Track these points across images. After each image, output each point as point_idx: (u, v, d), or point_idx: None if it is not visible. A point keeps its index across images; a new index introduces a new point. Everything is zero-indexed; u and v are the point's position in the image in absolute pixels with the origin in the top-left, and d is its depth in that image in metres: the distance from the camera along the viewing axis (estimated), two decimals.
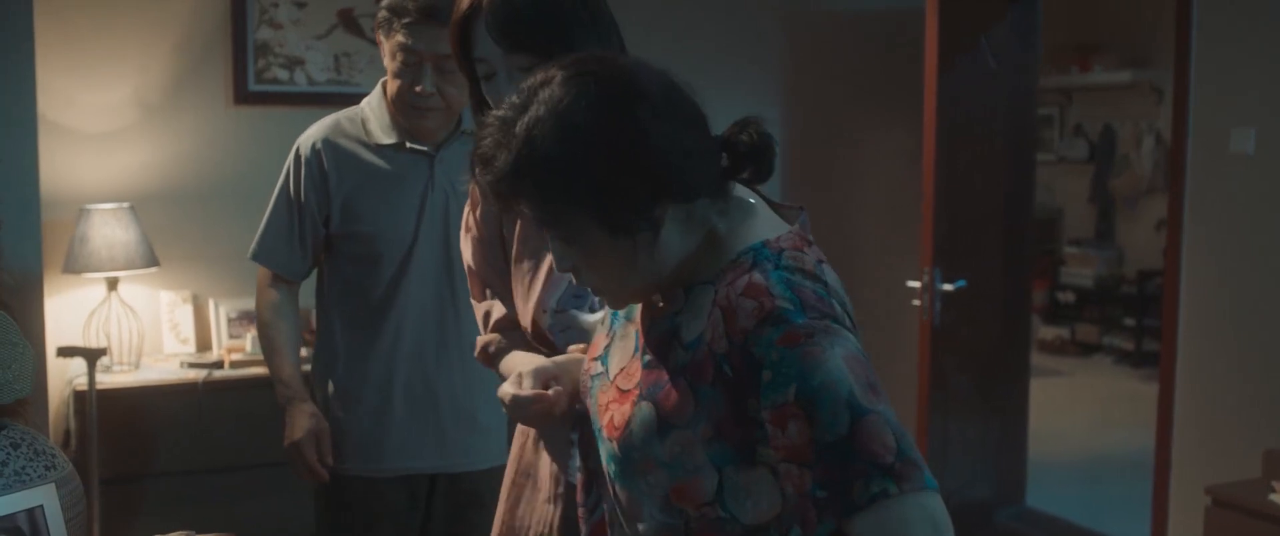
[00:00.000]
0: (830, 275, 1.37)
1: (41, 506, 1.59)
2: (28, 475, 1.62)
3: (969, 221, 4.50)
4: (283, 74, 3.88)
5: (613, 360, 1.46)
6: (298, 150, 2.53)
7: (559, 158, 1.26)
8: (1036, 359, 7.98)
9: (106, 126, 3.71)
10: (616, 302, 1.44)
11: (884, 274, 4.84)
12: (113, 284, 3.56)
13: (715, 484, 1.32)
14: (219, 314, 3.79)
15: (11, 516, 1.55)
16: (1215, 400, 3.94)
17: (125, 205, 3.54)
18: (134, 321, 3.60)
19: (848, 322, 1.33)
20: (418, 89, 2.41)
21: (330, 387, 2.59)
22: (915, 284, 4.25)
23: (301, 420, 2.51)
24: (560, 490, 1.79)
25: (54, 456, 1.69)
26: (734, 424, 1.30)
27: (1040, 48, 4.92)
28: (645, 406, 1.36)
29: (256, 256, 2.59)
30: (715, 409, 1.30)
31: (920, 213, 4.28)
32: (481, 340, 1.93)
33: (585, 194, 1.27)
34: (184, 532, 1.87)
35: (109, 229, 3.47)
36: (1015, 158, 4.85)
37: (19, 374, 1.62)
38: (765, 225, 1.39)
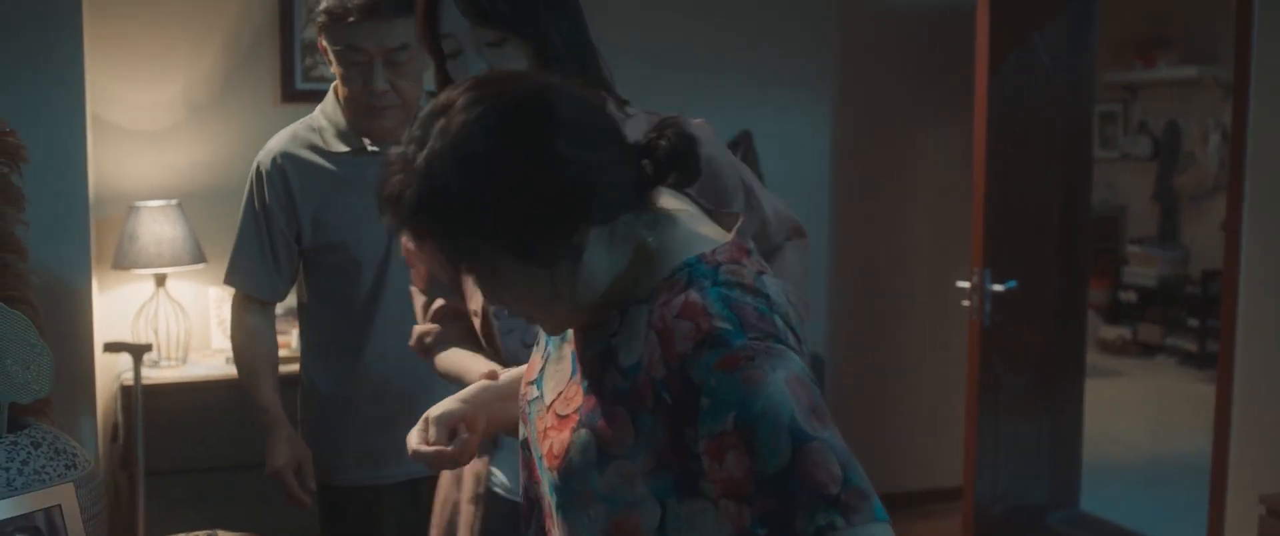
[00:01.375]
0: (773, 287, 1.27)
1: (60, 506, 1.60)
2: (47, 474, 1.64)
3: (1022, 221, 4.42)
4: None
5: (547, 385, 1.38)
6: (258, 166, 2.46)
7: (461, 191, 1.18)
8: (1097, 359, 7.85)
9: (155, 124, 3.76)
10: (549, 330, 1.36)
11: (934, 273, 4.78)
12: (160, 280, 3.60)
13: (657, 519, 1.24)
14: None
15: (30, 515, 1.57)
16: (1276, 406, 3.83)
17: (173, 202, 3.58)
18: (182, 317, 3.64)
19: (792, 339, 1.24)
20: (373, 88, 2.33)
21: (322, 400, 2.53)
22: (965, 284, 4.19)
23: (282, 447, 2.44)
24: (481, 490, 1.77)
25: (75, 455, 1.71)
26: (674, 453, 1.21)
27: (1096, 44, 4.82)
28: (584, 434, 1.27)
29: (229, 280, 2.52)
30: (656, 438, 1.21)
31: (971, 212, 4.21)
32: (418, 330, 1.89)
33: (495, 227, 1.19)
34: (207, 532, 1.89)
35: (157, 226, 3.52)
36: (1071, 156, 4.76)
37: (38, 374, 1.64)
38: (699, 236, 1.29)
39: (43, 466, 1.64)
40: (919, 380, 4.95)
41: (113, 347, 3.27)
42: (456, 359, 1.84)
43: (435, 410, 1.52)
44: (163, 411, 3.42)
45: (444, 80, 1.75)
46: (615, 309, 1.27)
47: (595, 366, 1.28)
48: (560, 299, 1.26)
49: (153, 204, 3.55)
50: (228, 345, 3.77)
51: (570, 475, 1.28)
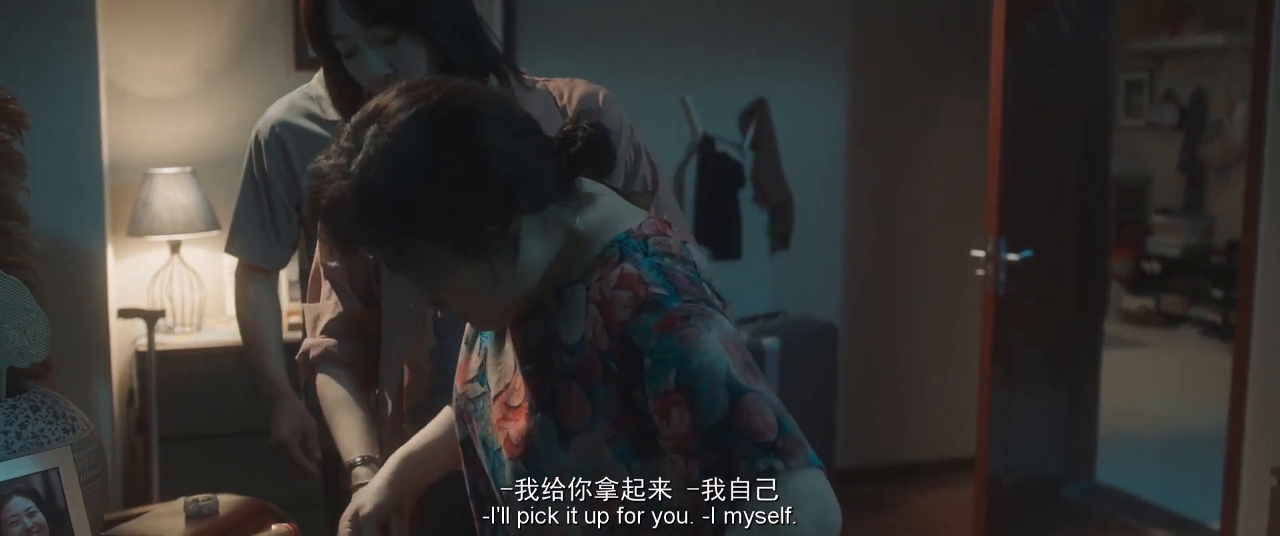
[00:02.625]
0: (696, 255, 1.36)
1: (57, 469, 1.62)
2: (46, 437, 1.66)
3: (1038, 190, 4.39)
4: None
5: (491, 378, 1.43)
6: (256, 135, 2.44)
7: (400, 195, 1.24)
8: (1119, 329, 7.80)
9: (170, 92, 3.78)
10: (489, 325, 1.42)
11: (949, 243, 4.76)
12: (175, 247, 3.63)
13: (633, 470, 1.30)
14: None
15: (27, 478, 1.59)
16: None
17: (187, 169, 3.60)
18: (196, 284, 3.67)
19: (718, 303, 1.31)
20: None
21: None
22: (979, 253, 4.17)
23: (287, 418, 2.43)
24: None
25: (74, 419, 1.73)
26: (629, 417, 1.27)
27: (1117, 11, 4.77)
28: (541, 417, 1.33)
29: (230, 249, 2.51)
30: (610, 406, 1.28)
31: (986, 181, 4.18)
32: (306, 342, 1.91)
33: (435, 227, 1.26)
34: (206, 495, 1.91)
35: (171, 193, 3.54)
36: (1090, 124, 4.72)
37: (35, 339, 1.66)
38: (623, 215, 1.37)
39: (41, 430, 1.66)
40: (933, 350, 4.94)
41: (127, 313, 3.31)
42: (333, 409, 1.87)
43: (365, 506, 1.55)
44: (177, 377, 3.46)
45: (342, 79, 1.76)
46: (551, 294, 1.34)
47: (539, 352, 1.34)
48: (500, 290, 1.32)
49: (167, 171, 3.57)
50: None
51: (536, 459, 1.33)
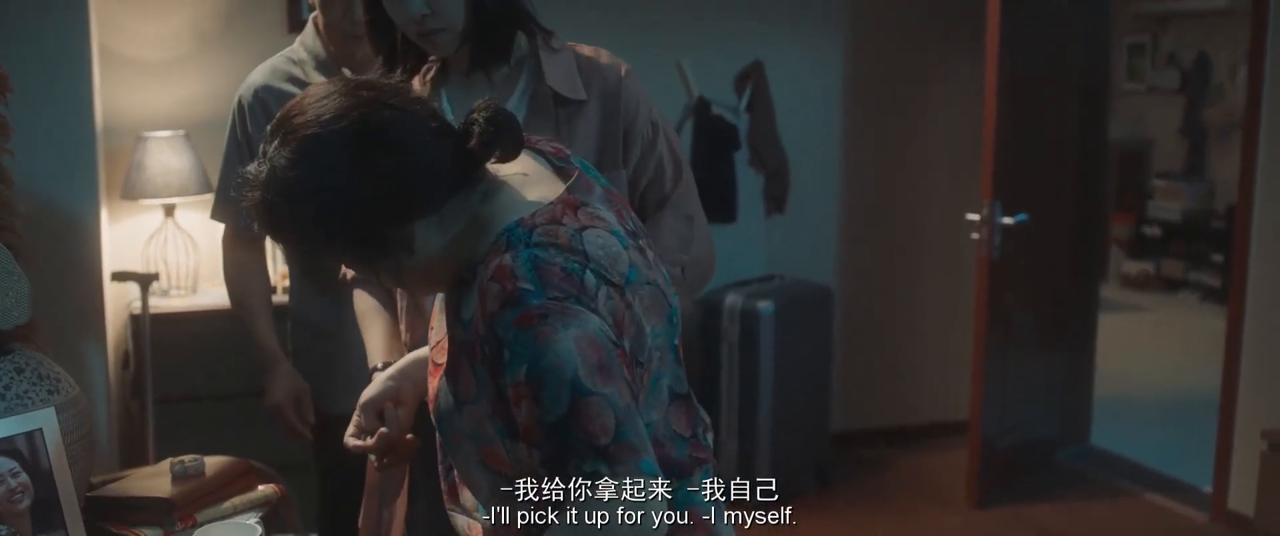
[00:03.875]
0: (593, 241, 1.36)
1: (41, 430, 1.64)
2: (30, 399, 1.67)
3: (1035, 153, 4.38)
4: None
5: (434, 335, 1.51)
6: (240, 100, 2.44)
7: (293, 214, 1.32)
8: (1118, 294, 7.80)
9: (163, 55, 3.77)
10: (419, 294, 1.54)
11: (946, 206, 4.76)
12: (169, 210, 3.63)
13: (515, 452, 1.35)
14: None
15: (11, 439, 1.60)
16: None
17: (181, 133, 3.60)
18: (191, 247, 3.68)
19: (606, 293, 1.34)
20: (354, 17, 2.27)
21: (311, 330, 2.54)
22: (975, 217, 4.16)
23: (281, 382, 2.45)
24: None
25: (58, 380, 1.74)
26: (500, 401, 1.33)
27: None
28: (444, 381, 1.41)
29: (216, 215, 2.52)
30: (487, 386, 1.34)
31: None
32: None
33: (328, 240, 1.35)
34: (192, 457, 1.92)
35: (165, 156, 3.54)
36: (1088, 88, 4.71)
37: (17, 300, 1.67)
38: (522, 201, 1.39)
39: (25, 391, 1.68)
40: (929, 313, 4.94)
41: (120, 276, 3.32)
42: (363, 316, 1.91)
43: (364, 395, 1.65)
44: (172, 340, 3.47)
45: (378, 16, 1.81)
46: (466, 270, 1.39)
47: (452, 320, 1.41)
48: (405, 278, 1.40)
49: (160, 134, 3.57)
50: None
51: (440, 417, 1.43)
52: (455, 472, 1.53)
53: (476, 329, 1.33)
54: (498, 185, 1.40)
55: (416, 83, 2.00)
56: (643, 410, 1.38)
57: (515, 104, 2.01)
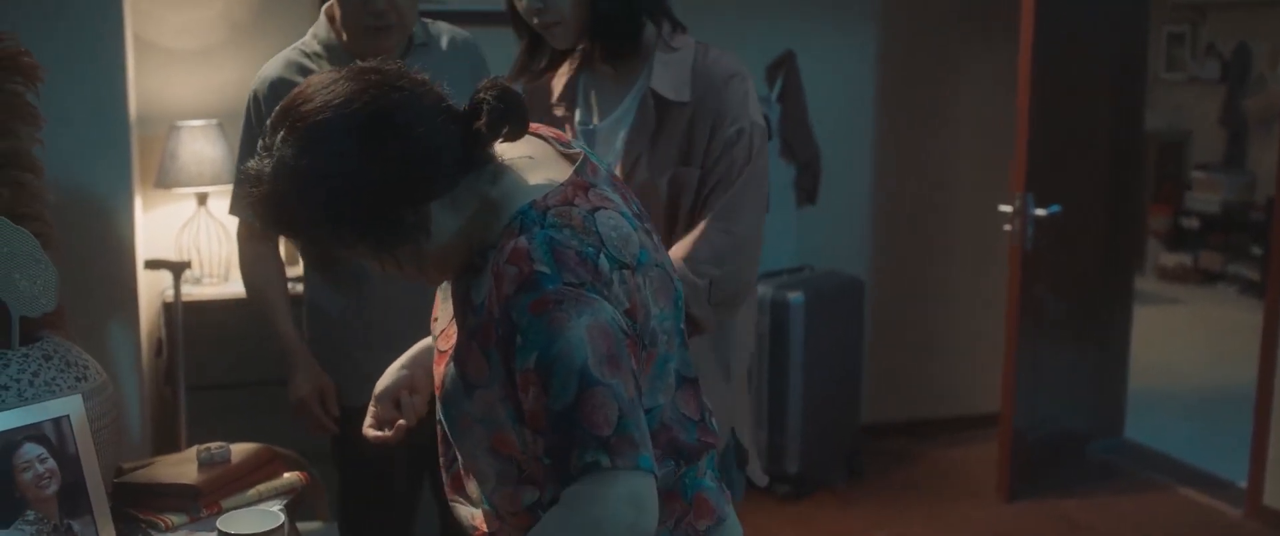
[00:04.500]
0: (605, 222, 1.37)
1: (68, 416, 1.65)
2: (58, 386, 1.69)
3: (1069, 144, 4.34)
4: None
5: (439, 323, 1.51)
6: (254, 93, 2.45)
7: (304, 206, 1.30)
8: (1155, 286, 7.72)
9: (196, 44, 3.80)
10: (429, 282, 1.49)
11: (978, 197, 4.73)
12: (202, 199, 3.66)
13: (523, 436, 1.36)
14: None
15: (39, 425, 1.62)
16: None
17: (213, 122, 3.63)
18: (224, 236, 3.70)
19: (620, 276, 1.34)
20: (374, 9, 2.30)
21: (327, 321, 2.55)
22: (1007, 208, 4.13)
23: (304, 375, 2.47)
24: None
25: (86, 368, 1.76)
26: (511, 385, 1.33)
27: None
28: (452, 366, 1.40)
29: (233, 210, 2.52)
30: (500, 370, 1.33)
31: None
32: None
33: (341, 230, 1.32)
34: (218, 443, 1.94)
35: (197, 145, 3.57)
36: (1124, 77, 4.65)
37: (45, 288, 1.69)
38: (533, 184, 1.39)
39: (53, 378, 1.70)
40: (960, 305, 4.92)
41: (153, 264, 3.35)
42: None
43: (379, 386, 1.68)
44: (204, 327, 3.50)
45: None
46: (477, 255, 1.39)
47: (461, 305, 1.41)
48: (421, 263, 1.38)
49: (193, 123, 3.60)
50: None
51: (448, 402, 1.43)
52: (460, 463, 1.53)
53: (490, 312, 1.32)
54: (505, 167, 1.40)
55: (565, 67, 2.19)
56: (650, 393, 1.39)
57: (629, 103, 2.15)
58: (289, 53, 2.47)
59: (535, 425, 1.29)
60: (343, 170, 1.29)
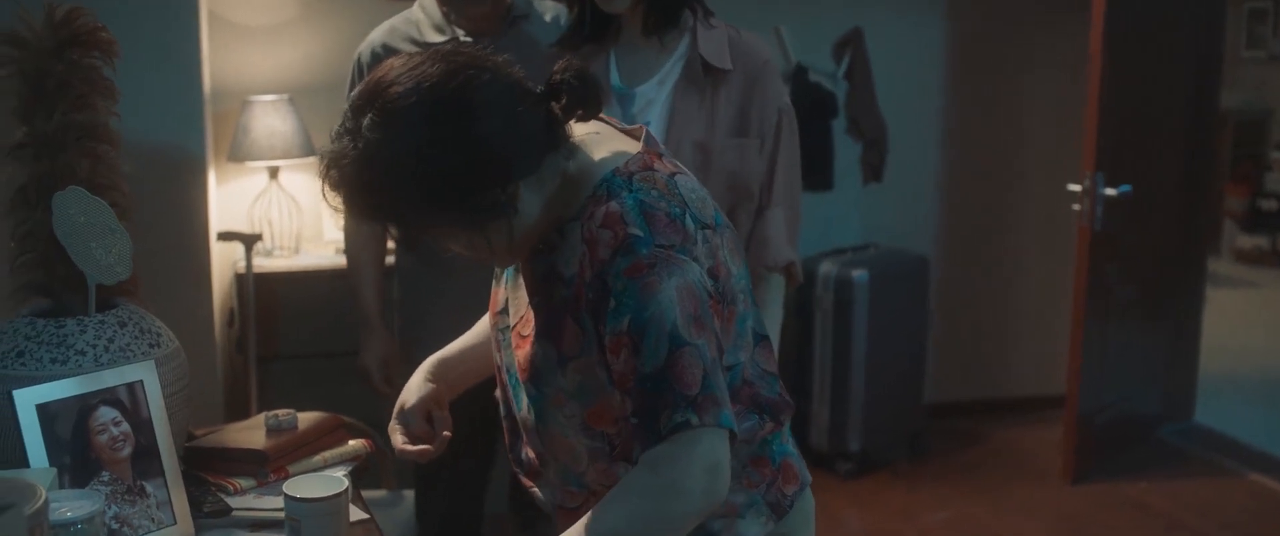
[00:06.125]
0: (685, 184, 1.41)
1: (142, 381, 1.71)
2: (132, 352, 1.75)
3: (1142, 124, 4.27)
4: None
5: (512, 311, 1.52)
6: (359, 57, 2.53)
7: (396, 184, 1.30)
8: (1230, 268, 7.57)
9: (269, 20, 3.86)
10: (503, 264, 1.52)
11: (1047, 177, 4.67)
12: (273, 172, 3.73)
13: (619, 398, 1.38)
14: None
15: (113, 389, 1.68)
16: None
17: (285, 97, 3.69)
18: (295, 209, 3.77)
19: (703, 236, 1.37)
20: None
21: (411, 279, 2.65)
22: (1076, 188, 4.08)
23: (373, 344, 2.63)
24: None
25: (159, 335, 1.81)
26: (602, 349, 1.36)
27: None
28: (542, 343, 1.43)
29: None
30: (593, 335, 1.37)
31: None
32: None
33: (434, 209, 1.33)
34: (285, 411, 1.99)
35: (269, 119, 3.63)
36: (1199, 55, 4.57)
37: (120, 257, 1.74)
38: (612, 153, 1.43)
39: (128, 344, 1.75)
40: (1027, 285, 4.87)
41: (226, 236, 3.42)
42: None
43: (409, 398, 1.67)
44: (276, 298, 3.57)
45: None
46: (555, 231, 1.41)
47: (544, 283, 1.43)
48: (506, 241, 1.39)
49: (266, 98, 3.66)
50: (339, 237, 3.91)
51: (540, 381, 1.45)
52: (533, 448, 1.55)
53: (582, 277, 1.36)
54: (581, 143, 1.44)
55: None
56: (732, 351, 1.43)
57: (671, 66, 2.22)
58: (395, 21, 2.57)
59: (623, 386, 1.33)
60: (432, 151, 1.30)
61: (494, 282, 1.61)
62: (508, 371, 1.55)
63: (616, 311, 1.31)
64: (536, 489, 1.60)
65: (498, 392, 1.65)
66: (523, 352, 1.47)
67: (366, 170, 1.31)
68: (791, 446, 1.57)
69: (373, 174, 1.30)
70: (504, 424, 1.64)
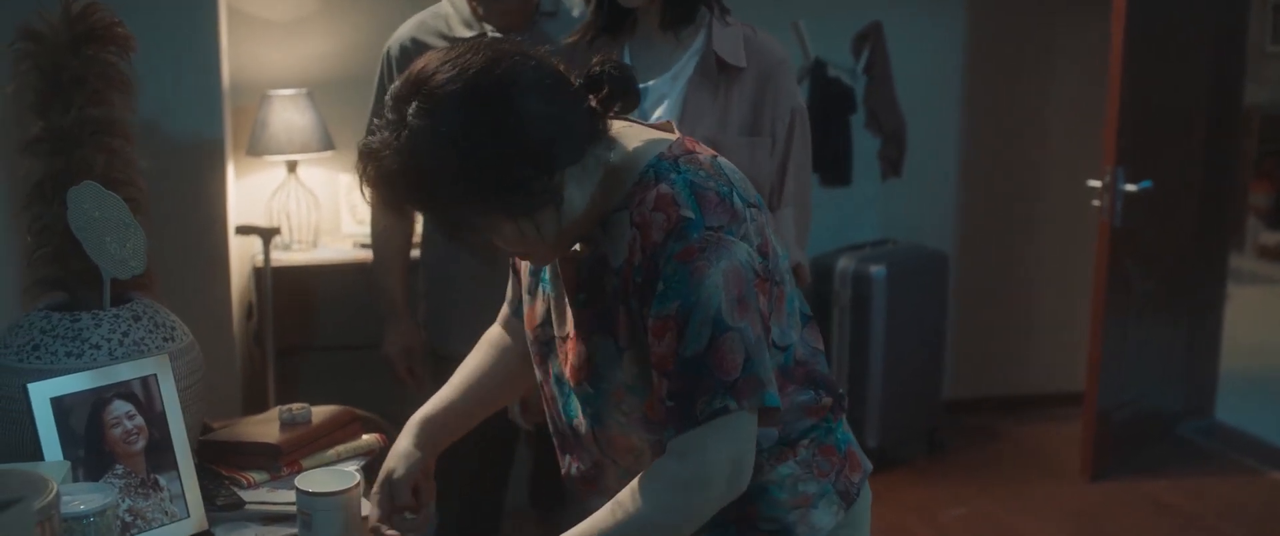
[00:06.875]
0: (728, 165, 1.44)
1: (156, 375, 1.71)
2: (146, 346, 1.75)
3: (1163, 118, 4.25)
4: None
5: (556, 319, 1.51)
6: (388, 51, 2.56)
7: (445, 171, 1.29)
8: (1254, 265, 7.49)
9: (288, 15, 3.87)
10: (543, 261, 1.51)
11: (1067, 171, 4.65)
12: (292, 166, 3.75)
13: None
14: None
15: (127, 383, 1.68)
16: None
17: (304, 91, 3.70)
18: (313, 203, 3.78)
19: (750, 214, 1.38)
20: None
21: (436, 273, 2.69)
22: (1096, 183, 4.06)
23: (397, 334, 2.67)
24: None
25: (174, 329, 1.82)
26: (646, 330, 1.36)
27: None
28: (595, 339, 1.43)
29: None
30: (640, 319, 1.38)
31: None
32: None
33: (481, 197, 1.32)
34: (300, 404, 1.99)
35: (288, 114, 3.65)
36: (1222, 49, 4.53)
37: (134, 251, 1.74)
38: (651, 141, 1.44)
39: (142, 338, 1.76)
40: (1047, 280, 4.84)
41: (244, 230, 3.44)
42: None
43: (398, 468, 1.64)
44: (294, 292, 3.59)
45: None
46: (597, 225, 1.42)
47: (592, 278, 1.43)
48: (549, 235, 1.39)
49: (284, 92, 3.68)
50: (357, 231, 3.93)
51: (597, 377, 1.45)
52: (589, 457, 1.53)
53: (631, 262, 1.37)
54: (620, 134, 1.45)
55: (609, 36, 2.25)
56: (784, 331, 1.44)
57: (686, 62, 2.23)
58: (424, 15, 2.59)
59: (661, 367, 1.34)
60: (479, 135, 1.29)
61: (526, 297, 1.59)
62: (556, 381, 1.53)
63: (664, 295, 1.32)
64: (597, 498, 1.55)
65: (543, 405, 1.62)
66: (575, 353, 1.46)
67: (413, 157, 1.30)
68: (852, 435, 1.60)
69: (419, 160, 1.30)
70: (554, 440, 1.61)
